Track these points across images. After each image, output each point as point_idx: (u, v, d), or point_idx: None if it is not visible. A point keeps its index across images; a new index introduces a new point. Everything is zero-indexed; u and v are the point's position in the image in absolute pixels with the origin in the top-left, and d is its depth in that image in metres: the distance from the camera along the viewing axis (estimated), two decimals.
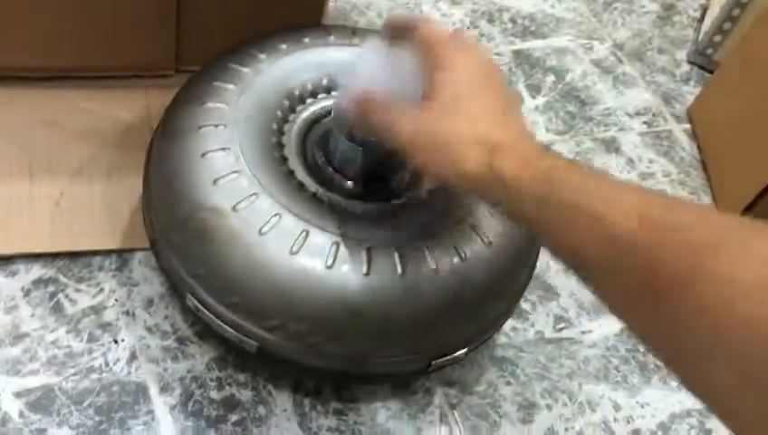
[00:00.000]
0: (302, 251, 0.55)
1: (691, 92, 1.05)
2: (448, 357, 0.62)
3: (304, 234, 0.56)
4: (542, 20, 1.10)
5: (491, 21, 1.08)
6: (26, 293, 0.67)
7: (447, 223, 0.59)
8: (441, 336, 0.60)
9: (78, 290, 0.69)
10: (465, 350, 0.62)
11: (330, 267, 0.55)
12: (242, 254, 0.55)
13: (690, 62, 1.11)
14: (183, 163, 0.59)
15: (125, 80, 0.83)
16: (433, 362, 0.61)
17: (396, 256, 0.56)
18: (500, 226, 0.60)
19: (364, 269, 0.55)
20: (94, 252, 0.70)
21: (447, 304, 0.58)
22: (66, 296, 0.68)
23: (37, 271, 0.69)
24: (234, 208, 0.56)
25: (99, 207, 0.72)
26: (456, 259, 0.58)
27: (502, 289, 0.63)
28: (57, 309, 0.67)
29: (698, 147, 0.98)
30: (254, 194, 0.57)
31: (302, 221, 0.56)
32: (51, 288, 0.68)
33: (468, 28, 1.05)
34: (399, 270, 0.56)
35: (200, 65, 0.81)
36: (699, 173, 0.95)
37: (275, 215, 0.56)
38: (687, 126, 1.01)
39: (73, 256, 0.70)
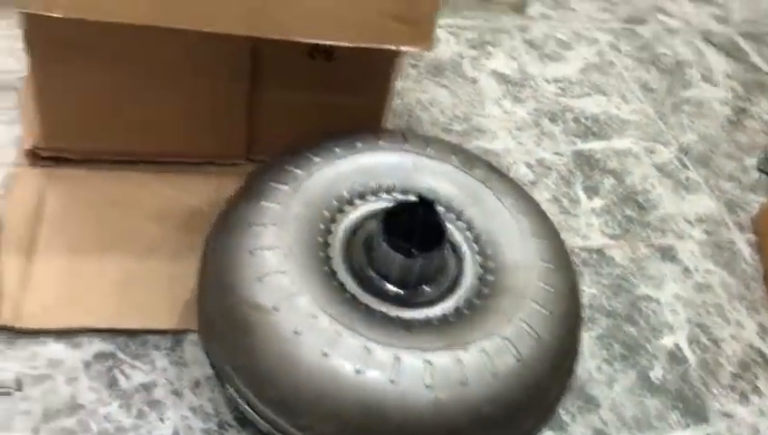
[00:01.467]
0: (334, 353, 0.57)
1: (757, 201, 1.03)
2: None
3: (337, 336, 0.58)
4: (606, 121, 1.12)
5: (554, 120, 1.10)
6: (87, 366, 0.72)
7: (479, 336, 0.61)
8: None
9: (133, 366, 0.73)
10: None
11: (359, 372, 0.57)
12: (277, 351, 0.58)
13: (760, 170, 1.09)
14: (233, 257, 0.63)
15: (198, 166, 0.90)
16: None
17: (425, 365, 0.58)
18: (532, 341, 0.61)
19: (392, 376, 0.57)
20: (152, 331, 0.75)
21: (475, 418, 0.58)
22: (122, 372, 0.72)
23: (98, 345, 0.74)
24: (274, 307, 0.59)
25: (161, 288, 0.77)
26: (486, 374, 0.59)
27: (533, 405, 0.63)
28: (113, 383, 0.71)
29: (761, 259, 0.95)
30: (295, 294, 0.60)
31: (337, 323, 0.59)
32: (109, 363, 0.73)
33: (530, 127, 1.08)
34: (428, 380, 0.57)
35: (269, 155, 0.87)
36: (760, 286, 0.93)
37: (312, 316, 0.59)
38: (751, 236, 0.99)
39: (132, 332, 0.75)
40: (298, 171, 0.70)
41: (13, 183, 0.82)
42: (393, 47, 0.71)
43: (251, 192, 0.69)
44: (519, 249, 0.67)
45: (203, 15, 0.66)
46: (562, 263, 0.69)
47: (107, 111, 0.82)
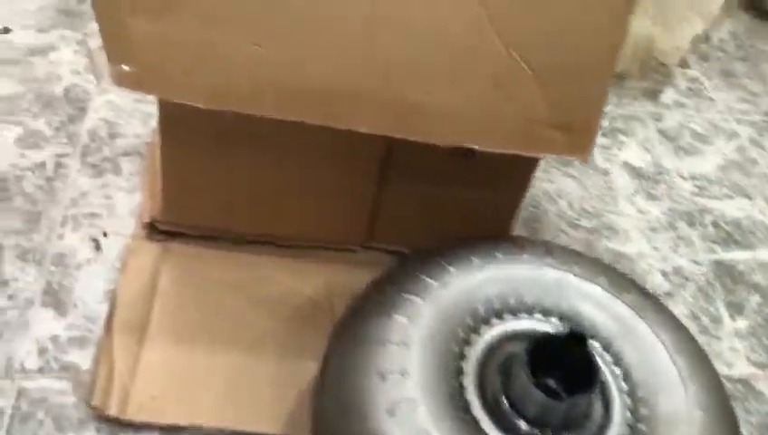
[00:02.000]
0: None
1: None
2: None
3: None
4: (750, 228, 1.02)
5: (691, 223, 1.01)
6: None
7: None
8: None
9: None
10: None
11: None
12: None
13: None
14: (359, 380, 0.58)
15: (311, 250, 0.86)
16: None
17: None
18: None
19: None
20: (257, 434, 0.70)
21: None
22: None
23: None
24: None
25: (268, 387, 0.72)
26: None
27: None
28: None
29: None
30: (426, 431, 0.54)
31: None
32: None
33: (666, 229, 0.99)
34: None
35: (389, 243, 0.82)
36: None
37: None
38: None
39: (237, 433, 0.70)
40: (431, 281, 0.64)
41: (129, 257, 0.80)
42: (545, 156, 0.66)
43: (380, 302, 0.63)
44: (677, 397, 0.59)
45: (338, 113, 0.62)
46: (726, 415, 0.60)
47: (229, 190, 0.79)
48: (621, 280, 0.68)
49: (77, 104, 0.98)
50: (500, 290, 0.66)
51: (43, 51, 1.04)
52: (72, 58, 1.05)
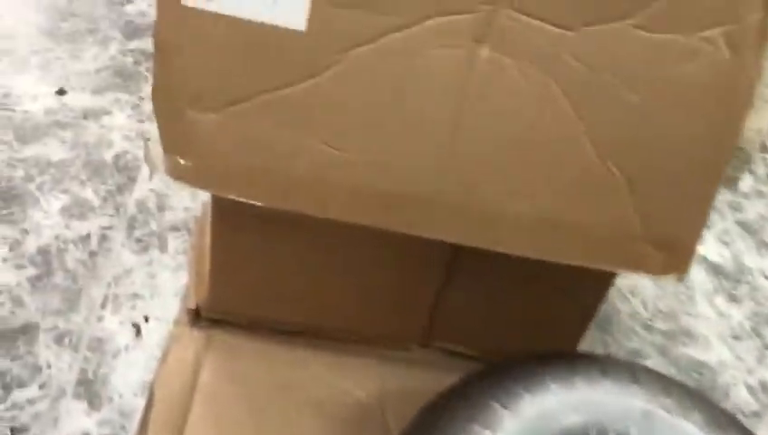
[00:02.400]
0: None
1: None
2: None
3: None
4: None
5: None
6: None
7: None
8: None
9: None
10: None
11: None
12: None
13: None
14: None
15: (363, 345, 0.79)
16: None
17: None
18: None
19: None
20: None
21: None
22: None
23: None
24: None
25: None
26: None
27: None
28: None
29: None
30: None
31: None
32: None
33: (750, 336, 0.91)
34: None
35: (448, 343, 0.76)
36: None
37: None
38: None
39: None
40: (502, 409, 0.57)
41: (170, 346, 0.75)
42: (634, 272, 0.59)
43: (446, 431, 0.57)
44: None
45: (413, 220, 0.56)
46: None
47: (280, 279, 0.74)
48: (720, 418, 0.60)
49: (127, 172, 0.94)
50: (579, 421, 0.58)
51: (96, 114, 1.02)
52: (125, 123, 1.02)
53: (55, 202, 0.88)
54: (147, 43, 1.19)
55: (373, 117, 0.53)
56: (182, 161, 0.54)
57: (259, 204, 0.55)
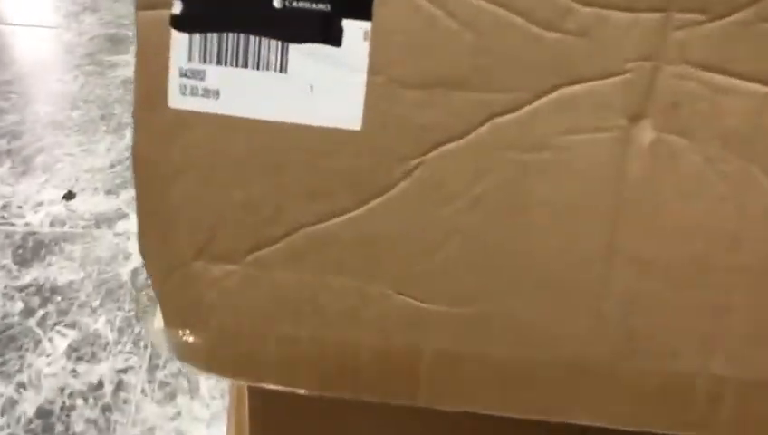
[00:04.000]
0: None
1: None
2: None
3: None
4: None
5: None
6: None
7: None
8: None
9: None
10: None
11: None
12: None
13: None
14: None
15: None
16: None
17: None
18: None
19: None
20: None
21: None
22: None
23: None
24: None
25: None
26: None
27: None
28: None
29: None
30: None
31: None
32: None
33: None
34: None
35: None
36: None
37: None
38: None
39: None
40: None
41: None
42: None
43: None
44: None
45: (545, 402, 0.37)
46: None
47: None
48: None
49: (147, 292, 0.77)
50: None
51: (109, 220, 0.86)
52: None
53: (60, 341, 0.72)
54: None
55: (475, 249, 0.34)
56: (190, 338, 0.36)
57: (305, 393, 0.37)
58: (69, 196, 0.89)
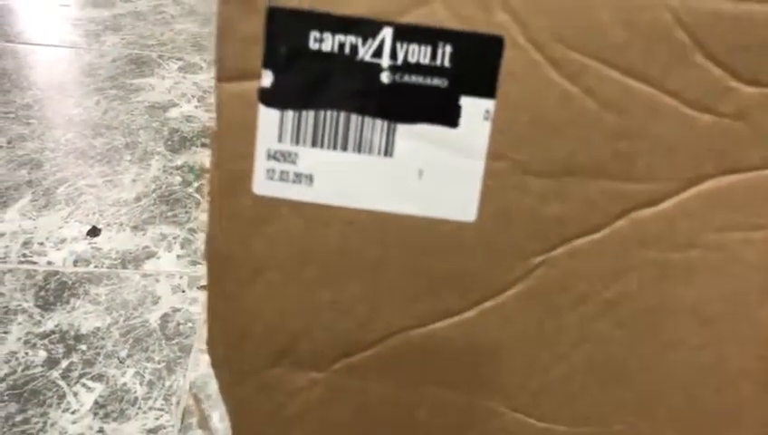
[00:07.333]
0: None
1: None
2: None
3: None
4: None
5: None
6: None
7: None
8: None
9: None
10: None
11: None
12: None
13: None
14: None
15: None
16: None
17: None
18: None
19: None
20: None
21: None
22: None
23: None
24: None
25: None
26: None
27: None
28: None
29: None
30: None
31: None
32: None
33: None
34: None
35: None
36: None
37: None
38: None
39: None
40: None
41: None
42: None
43: None
44: None
45: None
46: None
47: None
48: None
49: (178, 341, 0.73)
50: None
51: (136, 259, 0.82)
52: (174, 268, 0.81)
53: (86, 396, 0.67)
54: (196, 156, 1.01)
55: (604, 362, 0.30)
56: None
57: None
58: (93, 232, 0.85)
